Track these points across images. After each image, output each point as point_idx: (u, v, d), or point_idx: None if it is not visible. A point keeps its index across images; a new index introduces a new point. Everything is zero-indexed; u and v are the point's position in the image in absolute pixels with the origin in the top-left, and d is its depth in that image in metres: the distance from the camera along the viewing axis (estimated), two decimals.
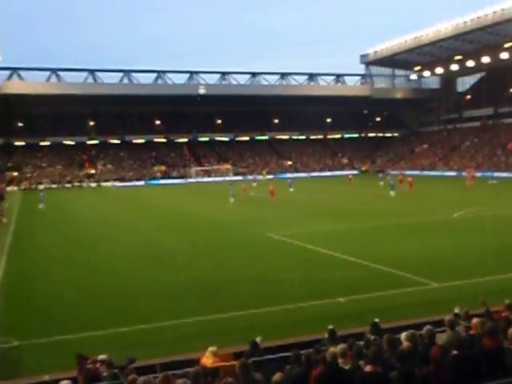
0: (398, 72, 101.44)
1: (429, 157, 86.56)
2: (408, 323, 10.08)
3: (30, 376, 9.37)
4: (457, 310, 8.61)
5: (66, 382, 6.45)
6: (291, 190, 52.05)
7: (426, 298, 13.52)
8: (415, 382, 5.30)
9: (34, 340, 11.50)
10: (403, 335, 6.28)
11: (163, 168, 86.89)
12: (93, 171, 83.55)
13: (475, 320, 7.01)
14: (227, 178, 77.94)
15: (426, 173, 76.03)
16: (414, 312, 12.02)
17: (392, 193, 42.91)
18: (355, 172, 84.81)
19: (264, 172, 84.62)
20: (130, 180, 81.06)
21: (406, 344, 6.01)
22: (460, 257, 18.30)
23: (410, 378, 5.27)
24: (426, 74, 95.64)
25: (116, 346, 10.77)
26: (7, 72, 79.05)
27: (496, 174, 65.26)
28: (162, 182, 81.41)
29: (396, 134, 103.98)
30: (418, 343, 6.06)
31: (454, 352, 5.61)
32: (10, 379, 9.35)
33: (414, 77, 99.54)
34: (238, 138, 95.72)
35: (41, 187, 74.24)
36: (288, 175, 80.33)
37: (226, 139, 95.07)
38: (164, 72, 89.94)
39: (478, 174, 61.52)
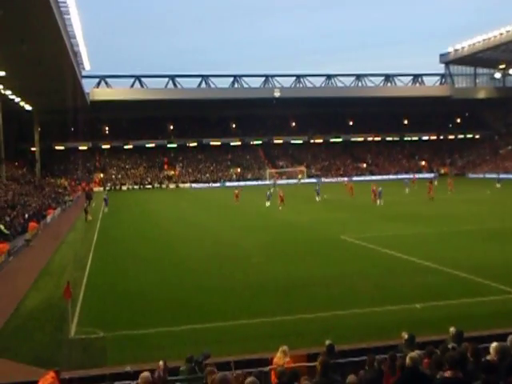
0: (481, 71, 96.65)
1: None
2: (491, 333, 9.68)
3: (114, 366, 9.94)
4: None
5: (146, 373, 6.76)
6: (317, 199, 43.82)
7: (510, 308, 12.84)
8: None
9: (118, 332, 12.13)
10: (492, 346, 5.98)
11: (238, 170, 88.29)
12: (172, 173, 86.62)
13: None
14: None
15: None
16: (497, 322, 11.47)
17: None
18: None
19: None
20: (206, 182, 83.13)
21: (493, 354, 5.74)
22: None
23: None
24: None
25: (192, 342, 11.19)
26: (95, 80, 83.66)
27: None
28: (236, 183, 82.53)
29: (478, 136, 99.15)
30: (506, 356, 5.75)
31: None
32: (95, 368, 9.92)
33: (498, 75, 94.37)
34: (312, 140, 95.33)
35: (124, 188, 79.29)
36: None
37: (300, 141, 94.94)
38: (240, 76, 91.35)
39: None
